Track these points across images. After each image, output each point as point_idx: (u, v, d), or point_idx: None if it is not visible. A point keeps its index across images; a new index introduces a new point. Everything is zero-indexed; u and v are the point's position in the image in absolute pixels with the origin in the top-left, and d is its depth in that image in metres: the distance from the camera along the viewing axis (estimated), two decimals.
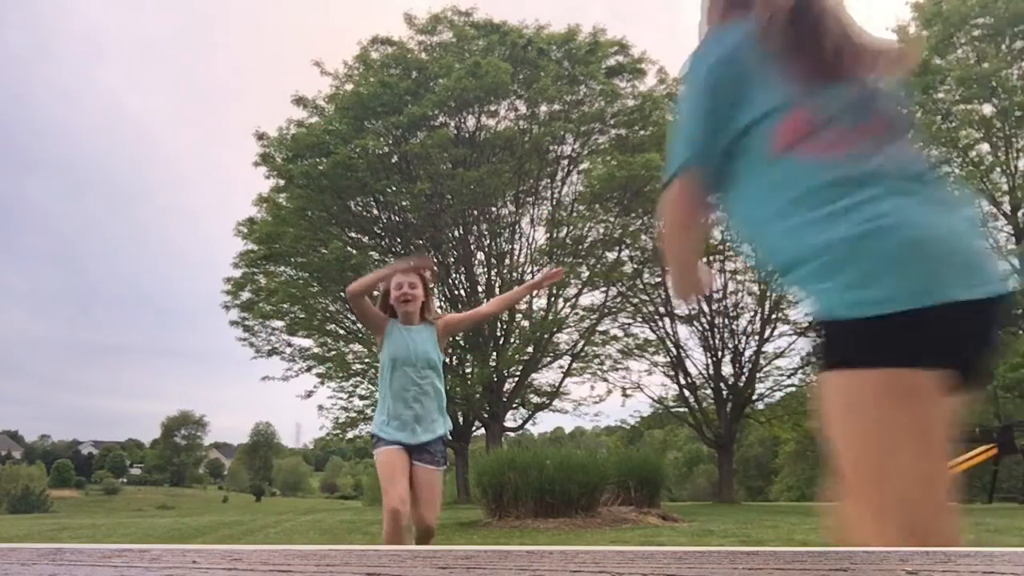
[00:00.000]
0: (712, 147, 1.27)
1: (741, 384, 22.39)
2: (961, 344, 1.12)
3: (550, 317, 20.37)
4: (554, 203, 21.14)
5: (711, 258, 22.37)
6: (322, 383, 21.57)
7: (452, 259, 21.42)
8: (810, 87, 1.21)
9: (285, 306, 20.61)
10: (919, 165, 1.22)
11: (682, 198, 1.33)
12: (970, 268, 1.12)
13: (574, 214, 20.59)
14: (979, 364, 1.16)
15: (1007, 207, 20.50)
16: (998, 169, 20.57)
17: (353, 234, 21.44)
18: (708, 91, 1.26)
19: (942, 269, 1.10)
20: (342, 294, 20.48)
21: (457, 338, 21.67)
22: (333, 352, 21.63)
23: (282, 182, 20.17)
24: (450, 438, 3.31)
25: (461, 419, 22.11)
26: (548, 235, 20.76)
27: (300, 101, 20.51)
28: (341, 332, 21.51)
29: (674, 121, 1.34)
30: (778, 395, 24.43)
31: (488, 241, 21.35)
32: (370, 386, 22.14)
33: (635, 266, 21.59)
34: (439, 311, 3.53)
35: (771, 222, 1.24)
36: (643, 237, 22.48)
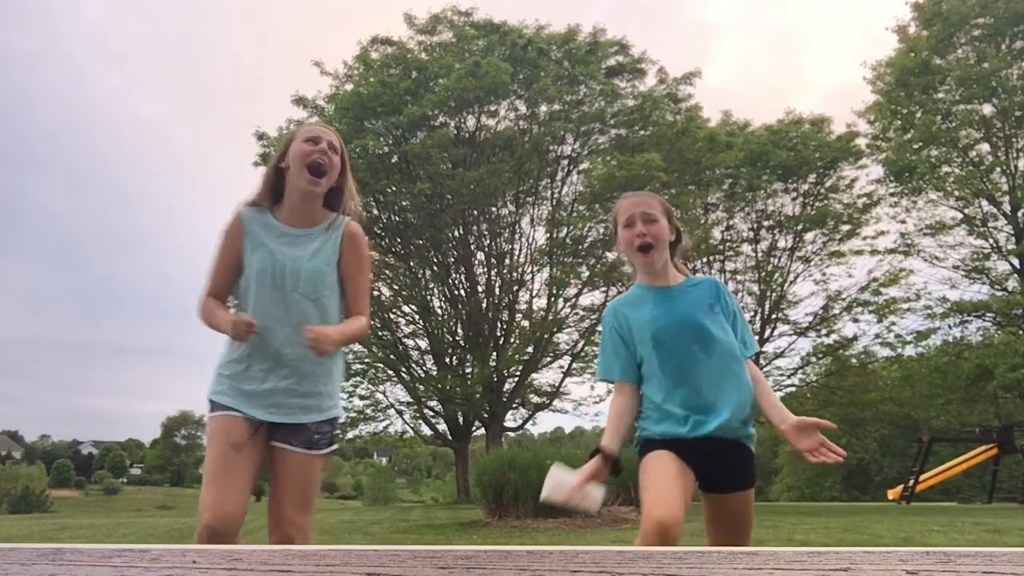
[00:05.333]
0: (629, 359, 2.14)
1: None
2: None
3: (550, 317, 20.36)
4: (554, 203, 21.13)
5: (711, 258, 22.40)
6: None
7: (452, 259, 21.41)
8: None
9: None
10: None
11: (621, 394, 2.13)
12: None
13: (574, 214, 20.57)
14: None
15: (1007, 207, 20.49)
16: (998, 169, 20.55)
17: None
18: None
19: None
20: None
21: (457, 338, 21.69)
22: None
23: None
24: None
25: (461, 419, 22.10)
26: (548, 235, 20.75)
27: (300, 101, 20.50)
28: None
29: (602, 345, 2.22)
30: (778, 395, 24.38)
31: (488, 241, 21.34)
32: (370, 386, 22.14)
33: None
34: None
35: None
36: None
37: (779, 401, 2.10)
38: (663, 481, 1.93)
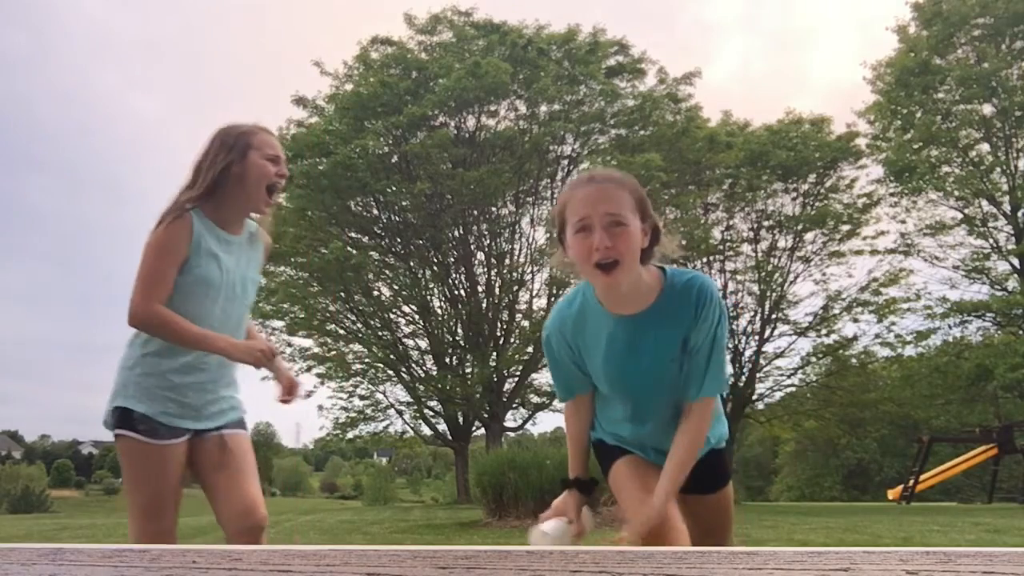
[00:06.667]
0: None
1: (741, 384, 22.39)
2: None
3: None
4: (554, 203, 21.11)
5: (711, 258, 22.41)
6: (322, 383, 21.57)
7: (452, 259, 21.41)
8: None
9: (285, 306, 20.61)
10: None
11: (572, 410, 1.84)
12: None
13: None
14: None
15: (1007, 207, 20.49)
16: (998, 169, 20.55)
17: (353, 234, 21.42)
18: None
19: None
20: (342, 294, 20.52)
21: (457, 338, 21.69)
22: (333, 352, 21.64)
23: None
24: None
25: (461, 419, 22.09)
26: (548, 235, 20.74)
27: (300, 101, 20.50)
28: (341, 332, 21.50)
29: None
30: (778, 395, 24.43)
31: (488, 241, 21.33)
32: (370, 386, 22.12)
33: None
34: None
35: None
36: None
37: (677, 473, 1.63)
38: (643, 487, 1.69)
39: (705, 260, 22.34)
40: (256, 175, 2.07)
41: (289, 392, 2.18)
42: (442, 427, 22.59)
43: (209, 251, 2.02)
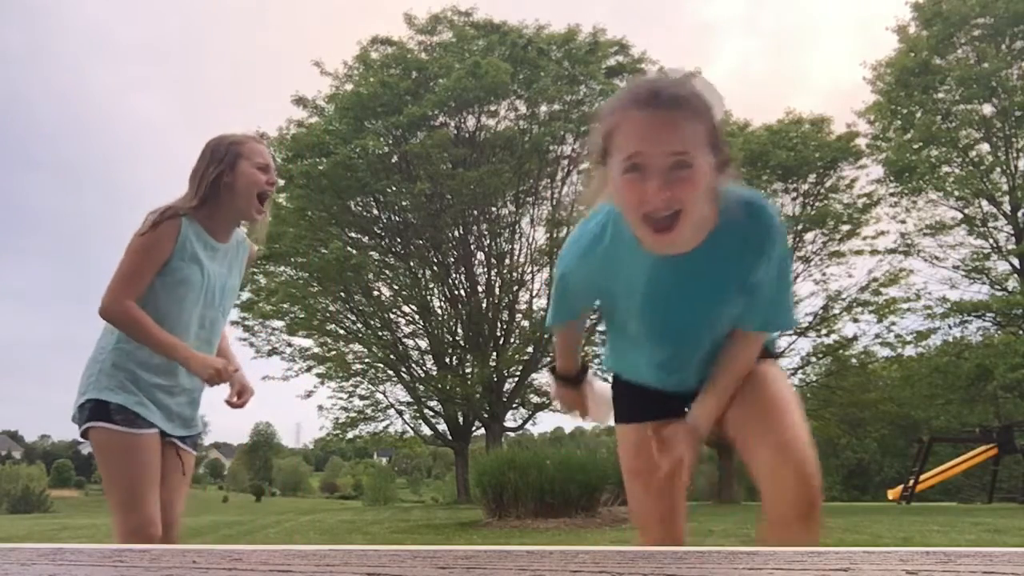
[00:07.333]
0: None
1: None
2: None
3: None
4: (554, 203, 21.12)
5: None
6: (322, 383, 21.58)
7: (452, 259, 21.41)
8: None
9: (285, 306, 20.62)
10: None
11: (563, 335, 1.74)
12: None
13: (574, 214, 20.58)
14: None
15: (1007, 207, 20.48)
16: (998, 169, 20.55)
17: (353, 234, 21.42)
18: None
19: None
20: (342, 294, 20.52)
21: (457, 338, 21.69)
22: (333, 352, 21.65)
23: (282, 182, 20.19)
24: None
25: (461, 419, 22.09)
26: (548, 235, 20.74)
27: (300, 101, 20.50)
28: (341, 332, 21.51)
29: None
30: None
31: (488, 241, 21.33)
32: (370, 386, 22.12)
33: None
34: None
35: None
36: None
37: (729, 380, 1.42)
38: (653, 499, 1.56)
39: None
40: (246, 183, 2.09)
41: (239, 396, 2.18)
42: (442, 427, 22.59)
43: (194, 255, 2.04)
